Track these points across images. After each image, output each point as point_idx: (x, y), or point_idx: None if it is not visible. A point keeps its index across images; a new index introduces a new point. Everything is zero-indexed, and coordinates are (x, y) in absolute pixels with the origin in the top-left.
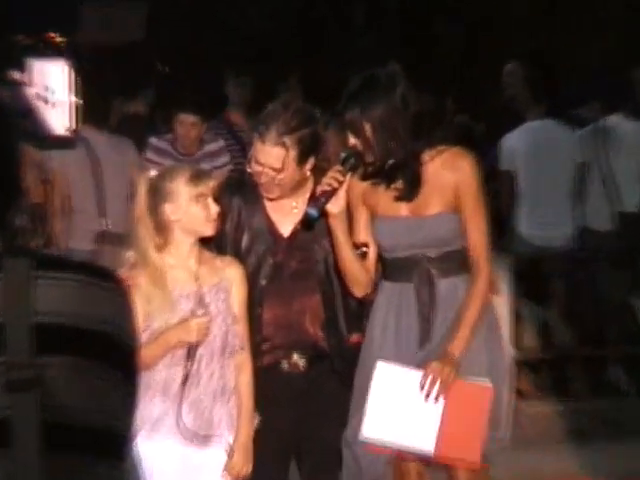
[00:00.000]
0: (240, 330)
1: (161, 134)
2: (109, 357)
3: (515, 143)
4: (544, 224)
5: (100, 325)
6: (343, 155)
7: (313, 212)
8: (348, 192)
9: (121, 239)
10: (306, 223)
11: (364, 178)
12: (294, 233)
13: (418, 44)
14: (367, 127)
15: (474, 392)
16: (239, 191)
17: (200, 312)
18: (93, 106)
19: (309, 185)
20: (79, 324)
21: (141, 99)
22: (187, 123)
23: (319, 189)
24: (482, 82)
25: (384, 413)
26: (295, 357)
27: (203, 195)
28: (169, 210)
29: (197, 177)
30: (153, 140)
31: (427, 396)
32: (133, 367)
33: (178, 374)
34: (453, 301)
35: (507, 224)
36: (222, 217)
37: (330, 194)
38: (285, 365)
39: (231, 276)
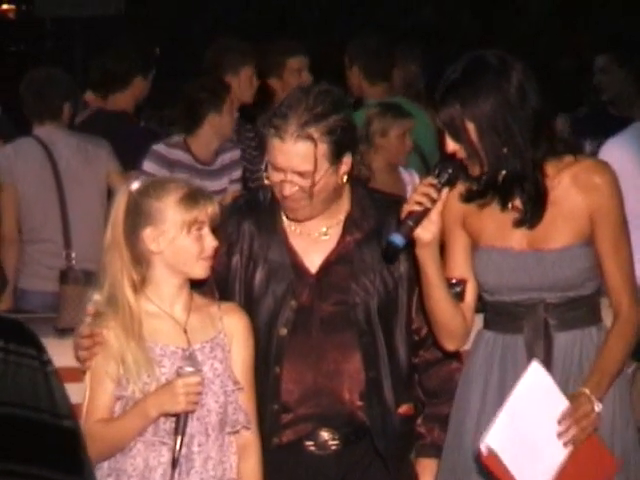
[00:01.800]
0: (244, 401)
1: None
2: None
3: (620, 151)
4: None
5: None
6: (439, 165)
7: (398, 240)
8: (444, 213)
9: (91, 277)
10: (388, 255)
11: (468, 198)
12: (325, 267)
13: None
14: (471, 128)
15: (602, 458)
16: (251, 214)
17: (188, 369)
18: (54, 98)
19: (345, 201)
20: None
21: (131, 91)
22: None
23: (405, 209)
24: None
25: (516, 425)
26: (324, 434)
27: (198, 223)
28: (150, 237)
29: (193, 197)
30: (160, 147)
31: (563, 432)
32: (75, 454)
33: (162, 458)
34: (571, 363)
35: None
36: (228, 248)
37: (421, 216)
38: (311, 444)
39: (232, 328)
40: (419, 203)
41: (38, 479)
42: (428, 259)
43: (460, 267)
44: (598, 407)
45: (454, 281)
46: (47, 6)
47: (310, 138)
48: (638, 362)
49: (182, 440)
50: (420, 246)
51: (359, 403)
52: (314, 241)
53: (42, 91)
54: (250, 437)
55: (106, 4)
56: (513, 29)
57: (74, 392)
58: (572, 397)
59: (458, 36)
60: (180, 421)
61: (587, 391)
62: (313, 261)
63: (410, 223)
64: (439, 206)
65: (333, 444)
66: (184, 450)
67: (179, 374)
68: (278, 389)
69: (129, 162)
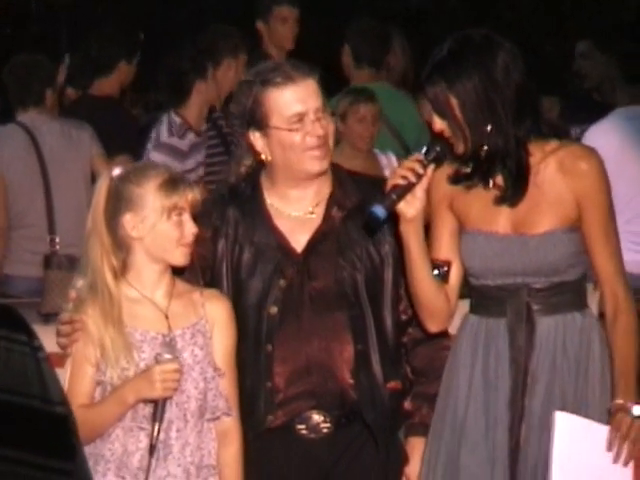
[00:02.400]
0: (225, 387)
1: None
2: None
3: (604, 138)
4: None
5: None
6: (427, 143)
7: (379, 212)
8: (429, 192)
9: (75, 263)
10: (369, 227)
11: (455, 179)
12: (311, 246)
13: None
14: (455, 104)
15: None
16: (234, 201)
17: (166, 356)
18: (36, 84)
19: (327, 182)
20: None
21: (116, 76)
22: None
23: (390, 182)
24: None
25: (572, 475)
26: (316, 417)
27: (178, 209)
28: (130, 223)
29: (173, 183)
30: (173, 140)
31: (617, 456)
32: (67, 440)
33: (140, 443)
34: (554, 348)
35: None
36: (214, 234)
37: (405, 190)
38: (302, 427)
39: (213, 314)
40: (404, 177)
41: (29, 465)
42: (411, 236)
43: (445, 249)
44: (637, 411)
45: (438, 262)
46: None
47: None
48: None
49: (160, 426)
50: (404, 222)
51: (350, 381)
52: (299, 221)
53: (24, 77)
54: (231, 423)
55: None
56: (501, 15)
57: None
58: (609, 416)
59: (446, 19)
60: (158, 407)
61: (620, 401)
62: (299, 240)
63: (393, 196)
64: (424, 182)
65: (325, 427)
66: (162, 436)
67: (157, 361)
68: (271, 367)
69: (114, 147)
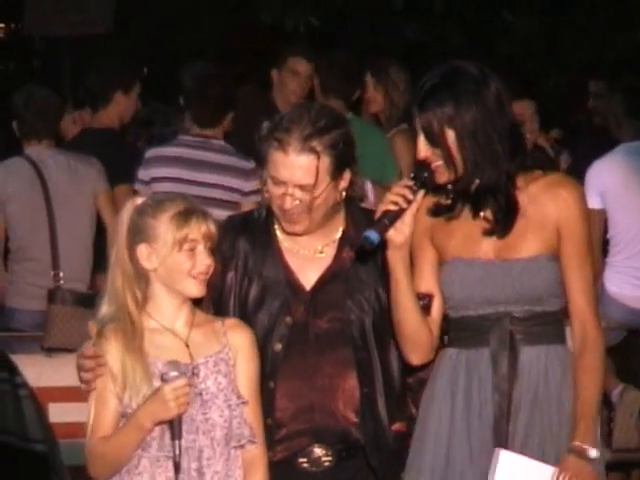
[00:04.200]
0: (249, 415)
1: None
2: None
3: (607, 172)
4: None
5: None
6: (415, 169)
7: (374, 236)
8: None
9: (78, 298)
10: (361, 252)
11: (436, 211)
12: (320, 284)
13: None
14: (450, 135)
15: None
16: (246, 231)
17: (172, 374)
18: (53, 117)
19: (340, 219)
20: None
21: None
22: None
23: (381, 208)
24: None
25: None
26: (318, 450)
27: (190, 241)
28: (143, 254)
29: (186, 216)
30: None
31: None
32: (46, 478)
33: (169, 473)
34: (537, 378)
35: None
36: (223, 264)
37: (396, 216)
38: (304, 461)
39: (236, 343)
40: (394, 203)
41: None
42: (399, 263)
43: (427, 282)
44: (593, 453)
45: (420, 295)
46: (36, 25)
47: (313, 151)
48: (625, 383)
49: (180, 443)
50: (392, 248)
51: (354, 420)
52: (309, 259)
53: (44, 110)
54: (256, 451)
55: (95, 23)
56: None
57: (62, 412)
58: (562, 460)
59: (445, 54)
60: (175, 426)
61: (578, 443)
62: (308, 278)
63: (385, 221)
64: (413, 208)
65: (326, 460)
66: (195, 464)
67: (164, 380)
68: (272, 404)
69: (114, 177)
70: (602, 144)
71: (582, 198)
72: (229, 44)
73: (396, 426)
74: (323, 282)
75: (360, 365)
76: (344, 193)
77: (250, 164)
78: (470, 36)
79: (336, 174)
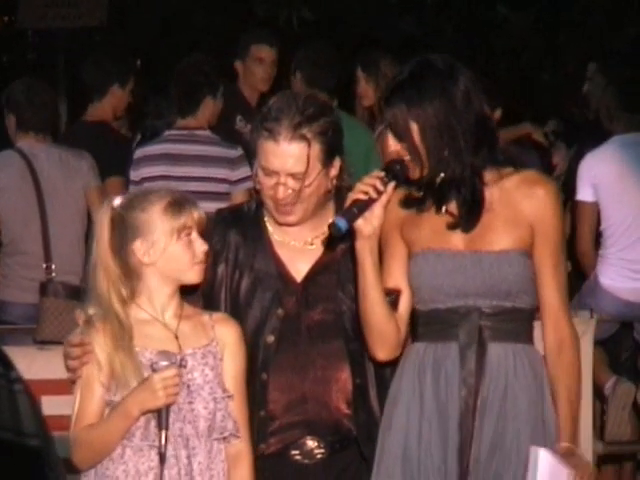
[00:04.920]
0: (235, 410)
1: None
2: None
3: (600, 165)
4: (637, 272)
5: None
6: (387, 162)
7: (342, 223)
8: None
9: (71, 290)
10: (330, 239)
11: (406, 203)
12: (311, 276)
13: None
14: (414, 128)
15: None
16: (236, 224)
17: (162, 363)
18: (53, 109)
19: (329, 211)
20: None
21: (108, 100)
22: None
23: (351, 197)
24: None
25: None
26: (310, 442)
27: (186, 229)
28: (140, 250)
29: (178, 205)
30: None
31: None
32: (41, 474)
33: (152, 462)
34: (506, 376)
35: (586, 273)
36: (214, 257)
37: (365, 205)
38: (297, 453)
39: (223, 337)
40: (364, 192)
41: None
42: (366, 254)
43: (395, 278)
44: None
45: (388, 290)
46: (30, 18)
47: (304, 139)
48: (617, 375)
49: (167, 434)
50: (360, 238)
51: (346, 411)
52: (300, 250)
53: (44, 103)
54: (241, 446)
55: (89, 16)
56: (495, 43)
57: (54, 405)
58: (569, 460)
59: (440, 50)
60: (162, 416)
61: (568, 445)
62: (299, 270)
63: (354, 210)
64: (384, 200)
65: (319, 453)
66: (184, 452)
67: (154, 369)
68: (265, 396)
69: (106, 169)
70: (599, 137)
71: (558, 197)
72: (222, 36)
73: None
74: (314, 274)
75: (352, 356)
76: (334, 181)
77: (237, 152)
78: (465, 30)
79: (327, 161)
